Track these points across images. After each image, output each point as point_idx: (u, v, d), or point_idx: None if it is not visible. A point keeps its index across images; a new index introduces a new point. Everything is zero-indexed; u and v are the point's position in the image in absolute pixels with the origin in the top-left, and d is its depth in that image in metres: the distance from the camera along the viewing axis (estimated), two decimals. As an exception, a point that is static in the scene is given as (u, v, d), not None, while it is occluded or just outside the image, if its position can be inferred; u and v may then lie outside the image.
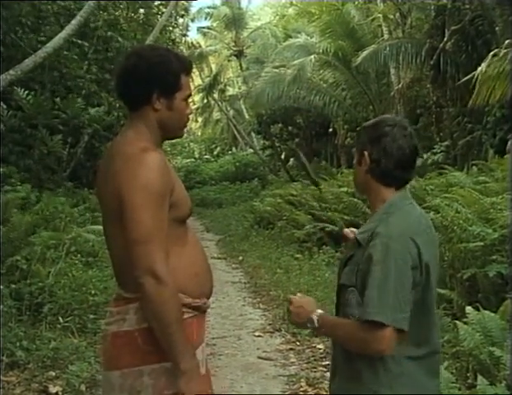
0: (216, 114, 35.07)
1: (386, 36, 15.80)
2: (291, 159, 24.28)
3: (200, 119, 37.89)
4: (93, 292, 5.79)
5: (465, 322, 3.90)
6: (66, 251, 6.68)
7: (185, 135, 33.11)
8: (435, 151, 12.15)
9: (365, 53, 13.84)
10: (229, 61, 28.51)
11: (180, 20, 21.06)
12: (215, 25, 28.88)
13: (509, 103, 9.40)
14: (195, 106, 33.87)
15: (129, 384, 1.88)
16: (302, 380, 4.46)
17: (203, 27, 29.61)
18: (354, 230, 2.17)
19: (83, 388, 4.15)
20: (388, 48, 13.70)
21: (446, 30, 12.72)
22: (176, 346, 1.79)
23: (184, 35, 24.47)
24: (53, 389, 4.05)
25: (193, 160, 33.52)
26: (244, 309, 6.83)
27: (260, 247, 10.66)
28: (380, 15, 15.98)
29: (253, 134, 26.34)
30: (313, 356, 4.99)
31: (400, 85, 15.25)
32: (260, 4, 38.20)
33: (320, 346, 5.14)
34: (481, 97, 8.51)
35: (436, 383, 1.94)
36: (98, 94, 12.47)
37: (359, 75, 16.19)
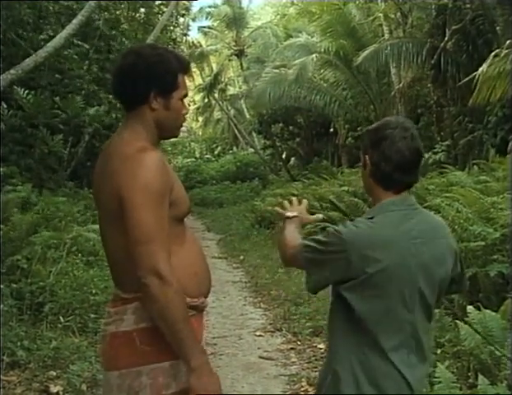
0: (216, 114, 35.08)
1: (387, 36, 15.80)
2: (292, 158, 24.31)
3: (201, 119, 37.91)
4: (94, 291, 5.79)
5: (466, 322, 3.89)
6: (67, 250, 6.68)
7: (186, 134, 33.18)
8: (435, 150, 12.15)
9: (365, 52, 13.84)
10: (230, 60, 28.52)
11: (181, 20, 21.06)
12: (216, 24, 28.89)
13: (510, 102, 9.40)
14: (196, 106, 33.94)
15: (127, 384, 1.88)
16: (303, 380, 4.46)
17: (204, 27, 29.64)
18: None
19: (84, 387, 4.15)
20: (388, 48, 13.70)
21: (447, 30, 12.72)
22: (185, 343, 1.79)
23: (185, 35, 24.49)
24: (53, 389, 4.05)
25: (193, 159, 33.54)
26: (245, 308, 6.83)
27: (261, 246, 10.67)
28: (381, 14, 15.98)
29: (253, 134, 26.35)
30: (314, 356, 4.99)
31: (401, 85, 15.26)
32: (261, 3, 38.21)
33: (321, 346, 5.14)
34: (481, 97, 8.51)
35: (396, 381, 1.85)
36: (97, 94, 12.45)
37: (360, 74, 16.20)
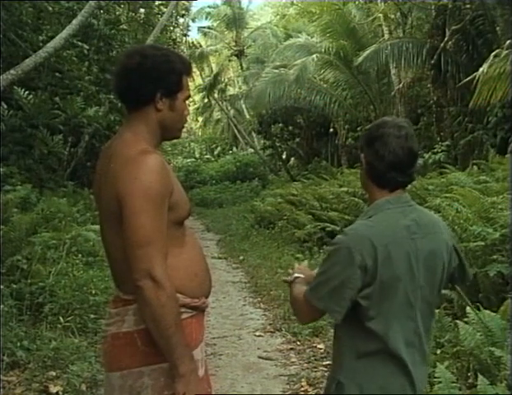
0: (216, 114, 35.09)
1: (387, 36, 15.81)
2: (292, 158, 24.31)
3: (200, 119, 37.91)
4: (94, 292, 5.80)
5: (466, 322, 3.89)
6: (66, 251, 6.68)
7: (186, 135, 33.11)
8: (435, 150, 12.14)
9: (366, 52, 13.84)
10: (229, 61, 28.55)
11: (181, 20, 21.05)
12: (215, 24, 28.91)
13: (510, 103, 9.40)
14: (196, 106, 33.92)
15: (129, 385, 1.89)
16: (303, 380, 4.46)
17: (204, 27, 29.67)
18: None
19: (84, 387, 4.14)
20: (388, 48, 13.70)
21: (447, 30, 12.72)
22: (174, 348, 1.79)
23: (185, 35, 24.47)
24: (53, 389, 4.05)
25: (193, 159, 33.52)
26: (245, 308, 6.83)
27: (261, 247, 10.66)
28: (381, 14, 15.98)
29: (253, 134, 26.36)
30: (313, 356, 4.99)
31: (401, 85, 15.26)
32: (261, 4, 38.25)
33: (321, 346, 5.14)
34: (482, 97, 8.50)
35: (399, 382, 1.87)
36: (97, 95, 12.46)
37: (359, 75, 16.20)
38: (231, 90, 30.04)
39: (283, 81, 16.69)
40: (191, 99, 32.26)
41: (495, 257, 4.93)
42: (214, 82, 27.64)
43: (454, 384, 3.27)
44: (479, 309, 4.01)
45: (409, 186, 2.00)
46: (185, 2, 20.52)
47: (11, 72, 6.94)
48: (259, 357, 5.08)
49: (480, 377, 3.23)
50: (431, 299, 1.92)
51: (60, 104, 11.15)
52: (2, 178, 8.42)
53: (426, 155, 12.05)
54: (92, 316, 5.42)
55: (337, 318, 1.83)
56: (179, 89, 1.96)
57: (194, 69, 30.81)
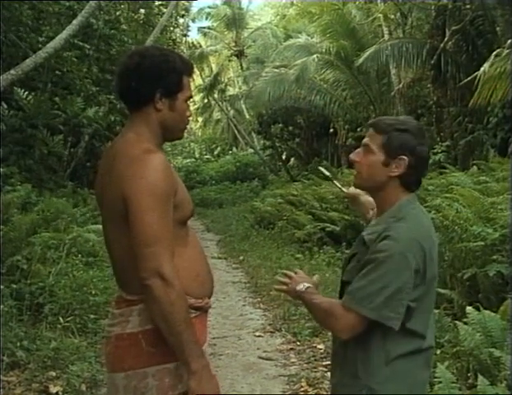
0: (216, 114, 35.09)
1: (387, 36, 15.80)
2: (292, 159, 24.31)
3: (200, 119, 37.91)
4: (93, 292, 5.80)
5: (465, 323, 3.89)
6: (66, 251, 6.69)
7: (186, 135, 33.20)
8: (435, 150, 12.13)
9: (366, 53, 13.84)
10: (229, 61, 28.54)
11: (181, 21, 21.06)
12: (215, 25, 28.90)
13: (511, 103, 9.40)
14: (195, 106, 33.91)
15: (133, 386, 1.89)
16: (303, 380, 4.46)
17: (204, 27, 29.66)
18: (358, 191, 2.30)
19: (84, 388, 4.14)
20: (388, 48, 13.69)
21: (447, 30, 12.73)
22: (185, 346, 1.79)
23: (185, 35, 24.48)
24: (53, 389, 4.05)
25: (193, 159, 33.53)
26: (245, 308, 6.83)
27: (261, 247, 10.65)
28: (381, 15, 15.97)
29: (253, 134, 26.36)
30: (313, 356, 4.99)
31: (401, 85, 15.25)
32: (261, 4, 38.18)
33: (321, 346, 5.14)
34: (482, 97, 8.50)
35: (428, 374, 2.01)
36: (96, 96, 12.47)
37: (360, 75, 16.20)
38: (231, 91, 30.05)
39: (283, 81, 16.70)
40: (191, 100, 32.30)
41: (495, 257, 4.93)
42: (214, 82, 27.64)
43: (454, 384, 3.27)
44: (479, 309, 4.01)
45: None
46: (185, 3, 20.54)
47: (12, 72, 6.95)
48: (259, 357, 5.08)
49: (480, 377, 3.23)
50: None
51: (60, 104, 11.16)
52: (3, 179, 8.42)
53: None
54: (92, 316, 5.42)
55: (396, 325, 1.79)
56: (179, 89, 1.95)
57: (194, 70, 30.86)
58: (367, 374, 1.86)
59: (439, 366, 3.38)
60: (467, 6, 12.37)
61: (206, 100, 32.20)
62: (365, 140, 1.97)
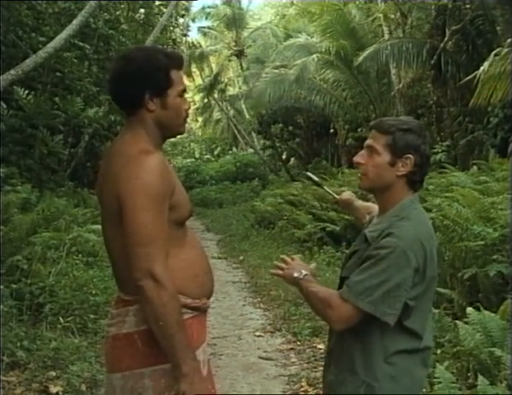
0: (216, 114, 35.06)
1: (387, 36, 15.80)
2: (292, 158, 24.31)
3: (200, 119, 37.91)
4: (94, 292, 5.79)
5: (465, 322, 3.89)
6: (66, 251, 6.69)
7: (186, 135, 33.22)
8: (435, 150, 12.14)
9: (366, 52, 13.84)
10: (229, 61, 28.52)
11: (181, 20, 21.03)
12: (215, 24, 28.88)
13: (511, 103, 9.40)
14: (195, 106, 33.91)
15: (130, 386, 1.89)
16: (303, 380, 4.46)
17: (204, 27, 29.61)
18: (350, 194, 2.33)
19: (84, 387, 4.14)
20: (388, 48, 13.70)
21: (447, 30, 12.73)
22: (177, 348, 1.78)
23: (185, 35, 24.47)
24: (53, 389, 4.05)
25: (193, 159, 33.51)
26: (245, 308, 6.83)
27: (261, 247, 10.66)
28: (381, 14, 15.97)
29: (253, 134, 26.35)
30: (313, 356, 4.98)
31: (401, 85, 15.26)
32: (261, 4, 38.18)
33: (321, 346, 5.14)
34: (482, 97, 8.50)
35: (426, 374, 2.04)
36: (96, 96, 12.47)
37: (360, 75, 16.20)
38: (231, 91, 30.03)
39: (283, 81, 16.70)
40: (191, 100, 32.33)
41: (495, 257, 4.93)
42: (214, 82, 27.63)
43: (454, 384, 3.27)
44: (479, 309, 4.01)
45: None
46: (185, 3, 20.53)
47: (12, 72, 6.95)
48: (259, 357, 5.08)
49: (480, 377, 3.23)
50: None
51: (60, 104, 11.16)
52: (3, 179, 8.42)
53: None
54: (92, 316, 5.42)
55: (392, 321, 1.81)
56: (169, 85, 1.92)
57: (194, 69, 30.87)
58: (365, 369, 1.88)
59: (439, 366, 3.39)
60: (467, 6, 12.38)
61: (206, 100, 32.18)
62: (369, 141, 1.98)
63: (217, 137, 36.98)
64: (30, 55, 7.85)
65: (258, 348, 5.33)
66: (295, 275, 2.01)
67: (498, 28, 11.77)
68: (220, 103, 29.56)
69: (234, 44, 27.04)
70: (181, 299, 1.88)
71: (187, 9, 22.40)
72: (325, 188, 2.59)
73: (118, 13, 14.52)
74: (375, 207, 2.14)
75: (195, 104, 34.02)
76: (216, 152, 35.80)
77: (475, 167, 9.49)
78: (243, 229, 13.32)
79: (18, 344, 4.46)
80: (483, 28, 11.96)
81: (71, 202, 9.86)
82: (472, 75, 9.05)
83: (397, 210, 1.92)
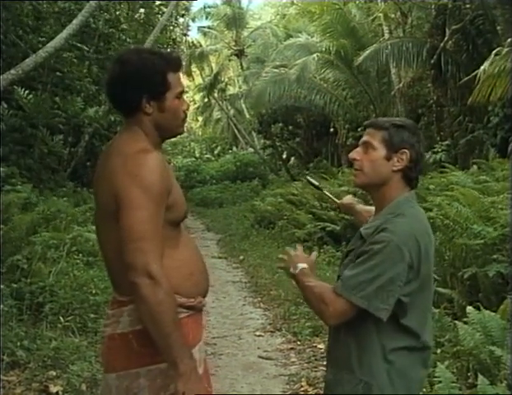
0: (216, 114, 35.06)
1: (387, 35, 15.80)
2: (292, 158, 24.32)
3: (200, 119, 37.91)
4: (94, 292, 5.79)
5: (465, 322, 3.89)
6: (67, 250, 6.68)
7: (186, 134, 33.17)
8: (435, 150, 12.15)
9: (366, 52, 13.84)
10: (229, 60, 28.52)
11: (181, 20, 21.04)
12: (215, 24, 28.88)
13: (510, 102, 9.40)
14: (196, 105, 33.92)
15: (125, 386, 1.88)
16: (303, 380, 4.45)
17: (204, 27, 29.62)
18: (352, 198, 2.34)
19: (84, 387, 4.14)
20: (389, 48, 13.70)
21: (447, 30, 12.73)
22: (173, 347, 1.77)
23: (185, 35, 24.47)
24: (53, 389, 4.04)
25: (193, 159, 33.48)
26: (245, 308, 6.82)
27: (261, 246, 10.66)
28: (381, 14, 15.98)
29: (253, 133, 26.36)
30: (313, 356, 4.98)
31: (401, 85, 15.26)
32: (261, 3, 38.16)
33: (321, 346, 5.14)
34: (481, 95, 8.50)
35: (426, 374, 2.04)
36: (96, 96, 12.47)
37: (360, 74, 16.20)
38: (231, 90, 30.04)
39: (283, 80, 16.70)
40: (191, 99, 32.32)
41: (495, 256, 4.93)
42: (214, 82, 27.63)
43: (454, 384, 3.27)
44: (479, 309, 4.01)
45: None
46: (185, 2, 20.52)
47: (12, 71, 6.95)
48: (259, 357, 5.08)
49: (480, 377, 3.23)
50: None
51: (60, 103, 11.17)
52: (3, 179, 8.42)
53: (427, 155, 12.05)
54: (92, 316, 5.42)
55: (385, 316, 1.81)
56: (166, 89, 1.92)
57: (194, 69, 30.86)
58: (362, 368, 1.88)
59: (439, 366, 3.38)
60: (468, 6, 12.38)
61: (206, 100, 32.19)
62: (365, 138, 2.00)
63: (217, 137, 36.98)
64: (30, 55, 7.85)
65: (258, 348, 5.33)
66: (291, 270, 2.03)
67: (498, 28, 11.77)
68: (220, 102, 29.56)
69: (234, 43, 27.04)
70: (176, 299, 1.87)
71: (187, 9, 22.39)
72: (326, 192, 2.58)
73: (118, 13, 14.51)
74: None
75: (195, 103, 34.04)
76: (216, 152, 35.80)
77: (475, 166, 9.50)
78: (243, 228, 13.31)
79: (18, 343, 4.46)
80: (483, 27, 11.96)
81: (71, 202, 9.86)
82: (473, 74, 9.06)
83: (393, 207, 1.93)
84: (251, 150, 27.50)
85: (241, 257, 9.98)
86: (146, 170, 1.81)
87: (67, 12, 11.39)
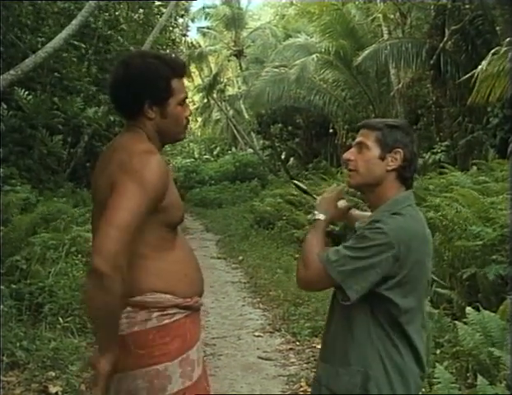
0: (215, 114, 35.06)
1: (386, 36, 15.79)
2: (291, 159, 24.31)
3: (200, 119, 37.89)
4: (93, 292, 5.78)
5: (465, 323, 3.90)
6: (66, 251, 6.68)
7: (185, 135, 33.32)
8: (435, 150, 12.15)
9: (365, 52, 13.84)
10: (229, 61, 28.51)
11: (180, 21, 21.00)
12: (215, 25, 28.88)
13: (510, 103, 9.40)
14: (195, 106, 33.90)
15: (124, 388, 1.89)
16: (302, 380, 4.46)
17: (203, 27, 29.61)
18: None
19: (83, 388, 4.15)
20: (388, 48, 13.69)
21: (446, 30, 12.73)
22: (100, 340, 1.83)
23: (184, 35, 24.43)
24: (52, 389, 4.05)
25: (192, 159, 33.49)
26: (244, 308, 6.82)
27: (260, 247, 10.66)
28: (380, 14, 15.97)
29: (252, 134, 26.35)
30: (313, 356, 4.98)
31: (400, 85, 15.25)
32: (260, 4, 38.20)
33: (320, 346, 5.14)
34: (480, 95, 8.50)
35: (418, 373, 2.01)
36: (96, 96, 12.46)
37: (359, 75, 16.20)
38: (230, 91, 30.01)
39: (282, 81, 16.69)
40: (190, 100, 32.29)
41: (494, 257, 4.94)
42: (213, 82, 27.59)
43: (454, 384, 3.27)
44: (478, 309, 4.01)
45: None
46: (184, 3, 20.51)
47: (11, 72, 6.94)
48: (259, 357, 5.08)
49: (479, 377, 3.24)
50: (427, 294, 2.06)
51: (59, 104, 11.16)
52: (2, 179, 8.42)
53: (426, 156, 12.06)
54: (92, 316, 5.41)
55: (353, 297, 1.84)
56: (169, 95, 1.92)
57: (193, 69, 30.85)
58: (359, 360, 1.90)
59: (439, 366, 3.39)
60: (467, 6, 12.38)
61: (205, 100, 32.17)
62: (359, 138, 2.03)
63: (217, 137, 36.97)
64: (30, 55, 7.85)
65: (258, 348, 5.33)
66: (308, 216, 2.11)
67: (497, 28, 11.78)
68: (219, 103, 29.53)
69: (233, 44, 27.04)
70: (172, 299, 1.89)
71: (186, 9, 22.37)
72: (315, 196, 2.58)
73: (117, 13, 14.51)
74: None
75: (194, 104, 34.02)
76: (215, 152, 35.79)
77: (474, 167, 9.50)
78: (242, 229, 13.31)
79: (18, 344, 4.47)
80: (483, 28, 11.95)
81: (70, 202, 9.86)
82: (471, 73, 9.06)
83: (390, 205, 1.94)
84: (250, 150, 27.48)
85: (240, 258, 9.97)
86: (147, 170, 1.81)
87: (66, 13, 11.39)
